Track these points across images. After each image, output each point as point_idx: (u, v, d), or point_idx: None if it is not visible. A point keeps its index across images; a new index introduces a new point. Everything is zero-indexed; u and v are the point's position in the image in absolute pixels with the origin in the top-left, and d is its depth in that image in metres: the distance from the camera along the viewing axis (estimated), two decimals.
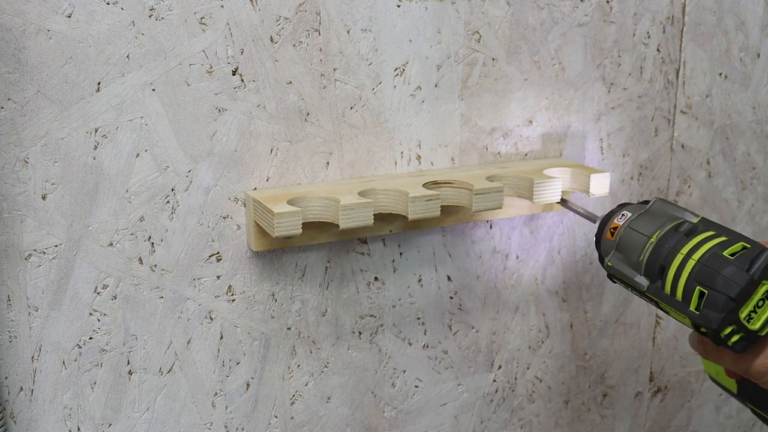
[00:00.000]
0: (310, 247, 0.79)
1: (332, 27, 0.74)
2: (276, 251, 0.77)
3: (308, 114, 0.75)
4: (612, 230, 0.67)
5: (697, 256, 0.59)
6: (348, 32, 0.75)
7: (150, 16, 0.67)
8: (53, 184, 0.67)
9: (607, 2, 0.88)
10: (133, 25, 0.67)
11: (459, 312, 0.89)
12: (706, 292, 0.57)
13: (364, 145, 0.79)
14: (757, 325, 0.57)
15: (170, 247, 0.72)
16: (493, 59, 0.83)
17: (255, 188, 0.75)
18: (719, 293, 0.56)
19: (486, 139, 0.85)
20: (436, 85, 0.81)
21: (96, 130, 0.67)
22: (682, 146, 0.98)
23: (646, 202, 0.67)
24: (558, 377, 0.98)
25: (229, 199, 0.74)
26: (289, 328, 0.80)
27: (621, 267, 0.65)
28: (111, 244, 0.70)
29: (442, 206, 0.75)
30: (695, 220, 0.63)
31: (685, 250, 0.60)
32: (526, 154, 0.88)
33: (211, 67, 0.70)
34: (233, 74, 0.71)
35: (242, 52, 0.71)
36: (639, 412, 1.07)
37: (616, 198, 0.95)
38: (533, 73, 0.86)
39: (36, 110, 0.65)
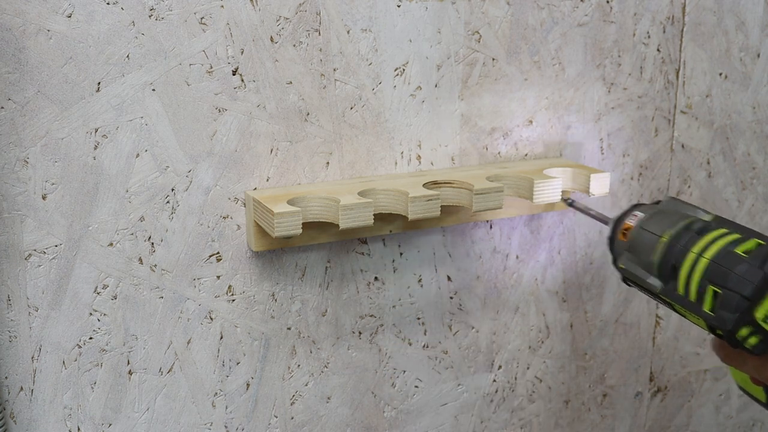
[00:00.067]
0: (310, 247, 0.79)
1: (332, 27, 0.74)
2: (276, 251, 0.77)
3: (308, 114, 0.75)
4: (624, 231, 0.65)
5: (709, 254, 0.57)
6: (348, 32, 0.75)
7: (150, 16, 0.67)
8: (53, 184, 0.67)
9: (607, 2, 0.88)
10: (133, 25, 0.67)
11: (459, 312, 0.89)
12: (719, 291, 0.55)
13: (364, 145, 0.79)
14: None
15: (170, 247, 0.72)
16: (493, 59, 0.83)
17: (255, 188, 0.75)
18: (732, 292, 0.54)
19: (486, 139, 0.85)
20: (436, 85, 0.81)
21: (96, 130, 0.67)
22: (682, 146, 0.98)
23: (660, 202, 0.66)
24: (558, 377, 0.98)
25: (229, 199, 0.74)
26: (289, 328, 0.80)
27: (633, 268, 0.63)
28: (111, 244, 0.70)
29: (442, 206, 0.75)
30: (708, 218, 0.61)
31: (696, 248, 0.58)
32: (526, 154, 0.88)
33: (211, 67, 0.70)
34: (233, 74, 0.71)
35: (242, 52, 0.71)
36: (639, 412, 1.07)
37: (616, 198, 0.95)
38: (533, 73, 0.86)
39: (36, 110, 0.65)
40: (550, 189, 0.78)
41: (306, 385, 0.82)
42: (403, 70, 0.79)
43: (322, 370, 0.82)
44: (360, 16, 0.75)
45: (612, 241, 0.68)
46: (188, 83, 0.70)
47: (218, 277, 0.75)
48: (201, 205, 0.73)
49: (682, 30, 0.94)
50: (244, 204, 0.74)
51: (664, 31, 0.93)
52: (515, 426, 0.97)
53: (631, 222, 0.65)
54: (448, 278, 0.87)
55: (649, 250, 0.62)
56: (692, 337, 1.07)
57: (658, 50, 0.93)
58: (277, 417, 0.81)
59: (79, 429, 0.73)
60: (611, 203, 0.95)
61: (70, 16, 0.64)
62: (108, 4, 0.65)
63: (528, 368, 0.95)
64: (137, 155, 0.69)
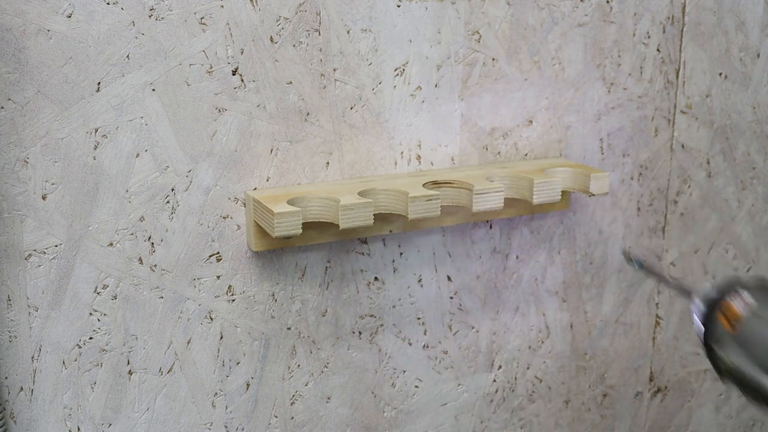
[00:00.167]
0: (310, 247, 0.79)
1: (332, 27, 0.74)
2: (276, 251, 0.77)
3: (308, 114, 0.75)
4: (730, 317, 0.55)
5: None
6: (348, 32, 0.75)
7: (150, 16, 0.67)
8: (53, 184, 0.67)
9: (607, 2, 0.88)
10: (133, 25, 0.67)
11: (459, 312, 0.89)
12: None
13: (364, 145, 0.79)
14: None
15: (170, 247, 0.72)
16: (493, 59, 0.83)
17: (255, 188, 0.75)
18: None
19: (486, 139, 0.85)
20: (436, 85, 0.81)
21: (96, 130, 0.67)
22: (682, 146, 0.98)
23: (760, 279, 0.57)
24: (558, 377, 0.98)
25: (229, 199, 0.74)
26: (289, 328, 0.80)
27: (747, 367, 0.54)
28: (111, 244, 0.70)
29: (442, 206, 0.75)
30: None
31: None
32: (526, 154, 0.88)
33: (211, 67, 0.70)
34: (233, 74, 0.71)
35: (242, 52, 0.71)
36: (639, 412, 1.07)
37: (616, 198, 0.95)
38: (533, 73, 0.86)
39: (36, 110, 0.65)
40: (550, 189, 0.78)
41: (306, 385, 0.82)
42: (403, 70, 0.79)
43: (322, 370, 0.82)
44: (360, 16, 0.75)
45: (706, 322, 0.57)
46: (188, 83, 0.70)
47: (218, 277, 0.75)
48: (201, 205, 0.73)
49: (682, 30, 0.94)
50: (244, 204, 0.74)
51: (664, 31, 0.93)
52: (515, 426, 0.97)
53: (739, 307, 0.55)
54: (448, 278, 0.87)
55: None
56: (692, 337, 1.07)
57: (658, 50, 0.93)
58: (277, 417, 0.81)
59: (79, 429, 0.73)
60: (611, 203, 0.95)
61: (70, 16, 0.64)
62: (108, 4, 0.65)
63: (528, 368, 0.95)
64: (137, 155, 0.69)
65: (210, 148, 0.72)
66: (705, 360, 1.10)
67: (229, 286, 0.76)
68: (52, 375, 0.71)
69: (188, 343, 0.75)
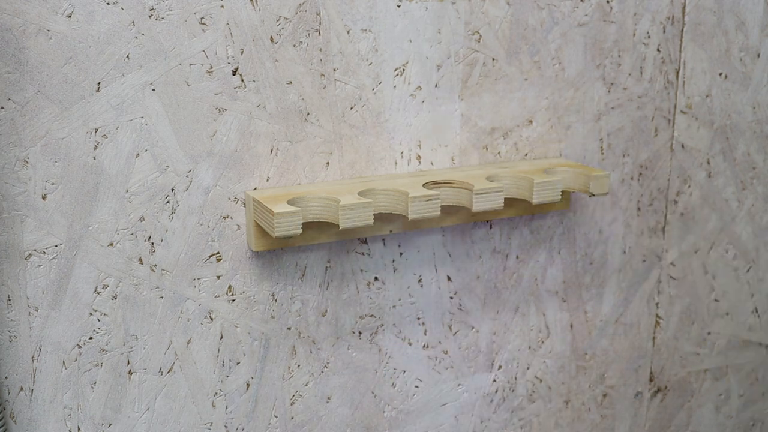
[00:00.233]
0: (310, 247, 0.79)
1: (332, 27, 0.74)
2: (276, 251, 0.77)
3: (308, 114, 0.75)
4: None
5: None
6: (348, 32, 0.75)
7: (150, 16, 0.67)
8: (53, 184, 0.67)
9: (607, 2, 0.88)
10: (133, 25, 0.67)
11: (459, 312, 0.89)
12: None
13: (364, 145, 0.79)
14: None
15: (170, 247, 0.72)
16: (493, 59, 0.83)
17: (255, 188, 0.75)
18: None
19: (486, 139, 0.85)
20: (436, 85, 0.81)
21: (96, 130, 0.67)
22: (682, 146, 0.98)
23: None
24: (558, 377, 0.98)
25: (229, 199, 0.74)
26: (289, 328, 0.80)
27: None
28: (111, 244, 0.70)
29: (442, 206, 0.75)
30: None
31: None
32: (526, 154, 0.88)
33: (211, 67, 0.70)
34: (233, 74, 0.71)
35: (242, 52, 0.71)
36: (639, 412, 1.07)
37: (616, 198, 0.95)
38: (533, 73, 0.86)
39: (36, 110, 0.65)
40: (550, 189, 0.78)
41: (306, 385, 0.82)
42: (403, 70, 0.79)
43: (322, 370, 0.82)
44: (360, 16, 0.75)
45: None
46: (188, 83, 0.70)
47: (218, 277, 0.75)
48: (201, 205, 0.73)
49: (682, 30, 0.94)
50: (244, 204, 0.74)
51: (664, 31, 0.93)
52: (515, 426, 0.97)
53: None
54: (448, 278, 0.87)
55: None
56: (692, 337, 1.08)
57: (658, 50, 0.93)
58: (277, 417, 0.81)
59: (79, 429, 0.73)
60: (611, 203, 0.95)
61: (70, 16, 0.64)
62: (108, 4, 0.65)
63: (528, 368, 0.95)
64: (137, 155, 0.69)
65: (210, 148, 0.72)
66: (705, 360, 1.10)
67: (229, 286, 0.76)
68: (52, 375, 0.71)
69: (188, 343, 0.75)
